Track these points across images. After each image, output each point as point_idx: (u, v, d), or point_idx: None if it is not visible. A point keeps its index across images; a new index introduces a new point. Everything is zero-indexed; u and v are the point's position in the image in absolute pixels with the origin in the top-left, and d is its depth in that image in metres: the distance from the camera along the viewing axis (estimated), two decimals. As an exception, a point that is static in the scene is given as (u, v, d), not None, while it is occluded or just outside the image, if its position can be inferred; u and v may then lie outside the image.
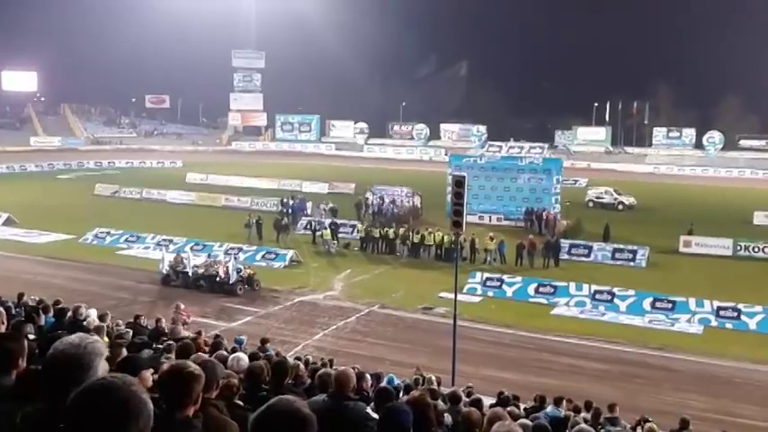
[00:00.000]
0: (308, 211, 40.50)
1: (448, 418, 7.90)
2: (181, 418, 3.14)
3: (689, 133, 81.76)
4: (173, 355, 7.67)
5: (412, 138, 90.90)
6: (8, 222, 38.11)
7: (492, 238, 31.13)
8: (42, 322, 11.00)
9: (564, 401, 12.12)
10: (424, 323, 22.93)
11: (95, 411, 1.96)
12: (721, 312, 22.97)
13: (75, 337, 2.82)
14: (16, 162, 65.64)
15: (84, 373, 2.54)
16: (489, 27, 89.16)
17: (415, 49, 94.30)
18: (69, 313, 12.36)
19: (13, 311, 12.23)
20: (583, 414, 11.88)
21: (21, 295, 15.55)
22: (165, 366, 3.63)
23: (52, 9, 78.39)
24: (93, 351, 2.72)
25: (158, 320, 15.25)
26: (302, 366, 10.38)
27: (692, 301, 23.62)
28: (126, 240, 33.87)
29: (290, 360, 11.86)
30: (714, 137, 79.50)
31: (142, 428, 2.00)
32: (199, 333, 13.66)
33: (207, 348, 10.66)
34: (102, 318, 12.89)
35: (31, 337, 7.76)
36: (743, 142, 79.91)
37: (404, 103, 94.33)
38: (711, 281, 27.46)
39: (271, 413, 2.31)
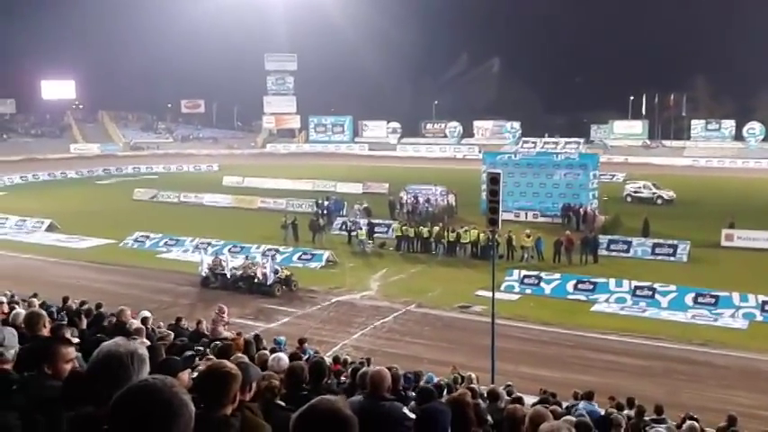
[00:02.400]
0: (344, 212, 40.63)
1: (488, 416, 7.84)
2: (218, 417, 3.17)
3: (728, 125, 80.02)
4: (213, 356, 7.75)
5: (445, 136, 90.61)
6: (51, 228, 38.96)
7: (529, 235, 30.85)
8: (84, 326, 11.19)
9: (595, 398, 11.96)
10: (461, 322, 22.82)
11: (137, 413, 1.99)
12: (767, 307, 22.42)
13: (117, 342, 2.87)
14: (57, 169, 67.16)
15: (127, 377, 2.58)
16: (521, 23, 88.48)
17: (446, 48, 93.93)
18: (111, 317, 12.57)
19: (56, 316, 12.50)
20: (626, 411, 11.71)
21: (65, 299, 15.90)
22: (203, 366, 3.67)
23: (88, 18, 79.95)
24: (135, 354, 2.77)
25: (199, 322, 15.43)
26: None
27: (735, 296, 23.10)
28: (165, 244, 34.36)
29: (328, 360, 11.91)
30: (755, 128, 77.69)
31: (183, 429, 2.02)
32: (239, 334, 13.78)
33: (244, 348, 10.75)
34: (143, 320, 13.09)
35: (75, 340, 7.90)
36: (784, 132, 77.97)
37: (436, 102, 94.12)
38: (755, 275, 26.77)
39: (312, 413, 2.31)
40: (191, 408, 2.06)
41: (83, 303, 14.20)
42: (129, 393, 2.04)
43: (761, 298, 22.71)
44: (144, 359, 2.80)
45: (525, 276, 26.58)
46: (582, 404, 11.46)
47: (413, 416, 4.92)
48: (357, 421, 2.32)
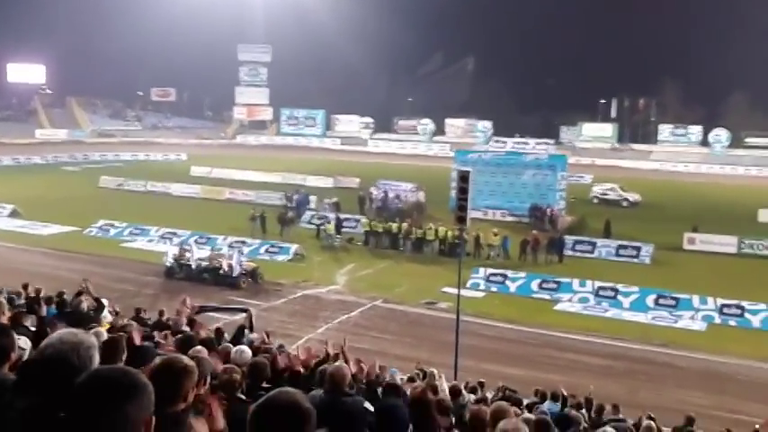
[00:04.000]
0: (312, 205, 40.48)
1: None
2: (170, 413, 3.12)
3: (695, 130, 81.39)
4: (173, 348, 7.66)
5: (417, 133, 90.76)
6: (13, 214, 38.21)
7: (496, 234, 31.09)
8: (44, 313, 11.01)
9: (561, 397, 12.09)
10: (427, 318, 22.93)
11: (97, 393, 1.99)
12: (725, 310, 22.90)
13: (67, 332, 2.82)
14: (22, 154, 65.79)
15: (77, 367, 2.54)
16: (496, 23, 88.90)
17: (420, 45, 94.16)
18: (72, 304, 12.38)
19: (16, 302, 12.27)
20: (584, 411, 11.85)
21: (25, 286, 15.58)
22: (158, 360, 3.60)
23: (59, 2, 78.47)
24: (86, 344, 2.72)
25: (161, 313, 15.25)
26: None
27: (695, 299, 23.55)
28: (130, 233, 33.92)
29: (293, 352, 11.85)
30: (720, 134, 79.18)
31: (145, 406, 2.03)
32: (201, 326, 13.64)
33: (205, 339, 10.65)
34: (101, 309, 12.91)
35: (32, 328, 7.77)
36: (749, 140, 79.55)
37: (409, 99, 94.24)
38: (715, 278, 27.35)
39: (271, 405, 2.29)
40: (150, 392, 2.07)
41: (38, 291, 13.93)
42: (90, 378, 2.04)
43: (719, 301, 23.19)
44: (93, 349, 2.75)
45: (491, 274, 26.79)
46: (546, 404, 11.59)
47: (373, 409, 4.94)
48: (315, 414, 2.31)
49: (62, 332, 2.80)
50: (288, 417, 2.24)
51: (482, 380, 14.03)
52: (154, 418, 2.09)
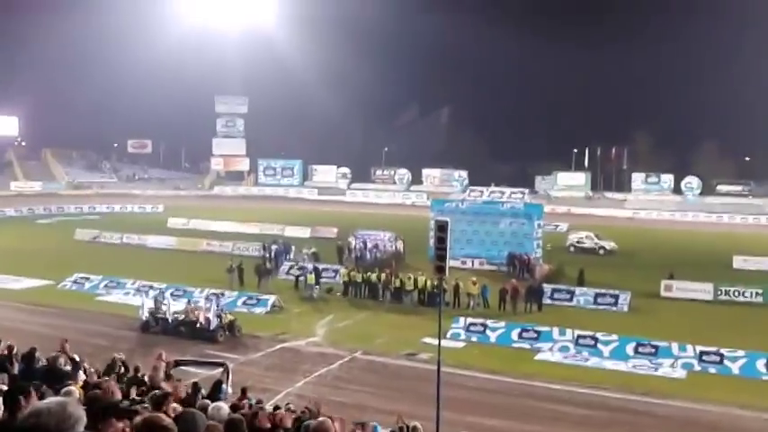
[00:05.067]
0: (291, 256, 40.29)
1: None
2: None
3: (667, 179, 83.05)
4: (149, 405, 7.49)
5: (394, 182, 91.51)
6: (-15, 268, 37.49)
7: (475, 283, 31.08)
8: (16, 371, 10.75)
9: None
10: (407, 369, 22.69)
11: None
12: (704, 357, 22.94)
13: (57, 403, 2.76)
14: (-5, 207, 65.02)
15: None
16: (470, 74, 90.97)
17: (397, 96, 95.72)
18: (43, 361, 12.11)
19: (-13, 360, 11.97)
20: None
21: (-4, 343, 15.23)
22: (139, 419, 3.55)
23: (34, 54, 78.74)
24: (73, 419, 2.67)
25: (137, 369, 14.94)
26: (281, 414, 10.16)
27: (674, 346, 23.60)
28: (105, 286, 33.40)
29: (268, 408, 11.64)
30: (692, 182, 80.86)
31: None
32: (178, 380, 13.37)
33: (186, 397, 10.44)
34: (77, 365, 12.66)
35: (4, 388, 7.58)
36: (720, 187, 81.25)
37: (386, 149, 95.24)
38: (693, 325, 27.54)
39: None
40: None
41: (11, 348, 13.62)
42: None
43: (699, 348, 23.25)
44: (81, 423, 2.70)
45: (471, 324, 26.68)
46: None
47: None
48: None
49: (51, 402, 2.74)
50: None
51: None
52: None
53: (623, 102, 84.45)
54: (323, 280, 34.14)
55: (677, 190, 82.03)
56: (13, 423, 4.18)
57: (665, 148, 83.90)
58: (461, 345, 25.26)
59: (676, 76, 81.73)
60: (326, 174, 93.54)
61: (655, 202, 79.20)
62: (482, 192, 44.00)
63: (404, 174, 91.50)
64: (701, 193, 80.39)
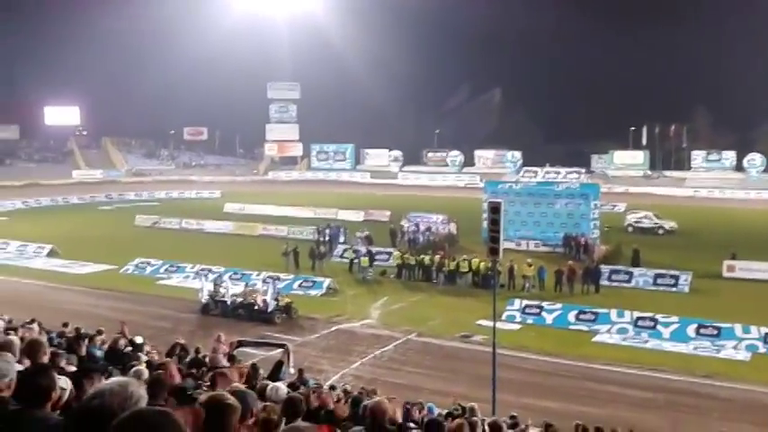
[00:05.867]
0: (344, 239, 40.59)
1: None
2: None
3: (729, 156, 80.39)
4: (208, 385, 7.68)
5: (446, 164, 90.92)
6: (52, 254, 38.90)
7: (531, 265, 30.79)
8: (83, 352, 11.14)
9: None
10: (462, 351, 22.68)
11: None
12: (769, 338, 22.30)
13: (119, 383, 2.84)
14: (59, 195, 67.26)
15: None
16: (523, 52, 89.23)
17: (448, 77, 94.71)
18: (109, 343, 12.52)
19: (56, 342, 12.44)
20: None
21: (65, 324, 15.84)
22: (203, 397, 3.65)
23: (93, 45, 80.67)
24: (135, 398, 2.75)
25: (197, 350, 15.34)
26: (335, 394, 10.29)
27: (738, 328, 22.98)
28: (166, 270, 34.30)
29: (326, 389, 11.80)
30: (755, 159, 78.03)
31: None
32: (238, 362, 13.67)
33: (246, 378, 10.65)
34: (136, 347, 13.05)
35: (72, 368, 7.85)
36: (785, 164, 78.24)
37: (437, 131, 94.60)
38: (757, 306, 26.63)
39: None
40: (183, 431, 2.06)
41: (78, 330, 14.13)
42: (126, 420, 2.04)
43: (763, 330, 22.58)
44: (143, 401, 2.78)
45: (526, 306, 26.47)
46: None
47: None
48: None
49: (114, 383, 2.82)
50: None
51: (514, 414, 13.79)
52: None
53: (682, 78, 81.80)
54: (376, 263, 34.33)
55: (739, 167, 79.29)
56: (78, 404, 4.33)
57: (727, 125, 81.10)
58: (517, 327, 25.10)
59: (737, 50, 78.80)
60: (378, 157, 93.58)
61: (716, 180, 76.75)
62: (536, 172, 43.45)
63: (456, 156, 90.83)
64: (764, 171, 77.51)
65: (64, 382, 5.66)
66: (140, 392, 2.84)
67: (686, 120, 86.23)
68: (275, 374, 12.02)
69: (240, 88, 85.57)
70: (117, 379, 3.05)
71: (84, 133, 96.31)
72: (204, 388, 7.14)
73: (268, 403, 5.92)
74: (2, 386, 3.87)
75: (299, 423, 2.66)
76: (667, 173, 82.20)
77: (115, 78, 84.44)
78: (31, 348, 5.95)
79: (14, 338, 7.87)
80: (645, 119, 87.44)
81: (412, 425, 8.32)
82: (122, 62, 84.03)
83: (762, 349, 22.03)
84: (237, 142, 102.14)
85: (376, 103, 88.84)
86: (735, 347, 22.31)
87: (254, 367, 13.12)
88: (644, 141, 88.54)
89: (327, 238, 40.18)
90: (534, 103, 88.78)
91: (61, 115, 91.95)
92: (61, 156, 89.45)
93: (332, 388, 13.49)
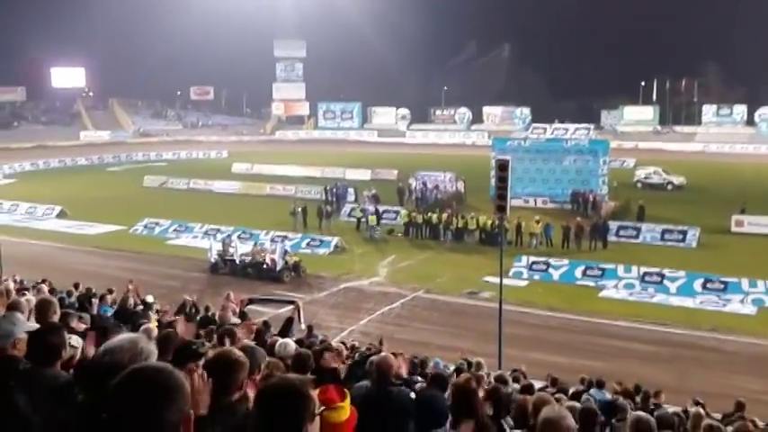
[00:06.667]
0: (352, 198, 40.62)
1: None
2: (227, 403, 3.22)
3: (740, 110, 79.38)
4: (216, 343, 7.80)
5: (454, 122, 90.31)
6: (61, 215, 39.18)
7: (538, 221, 30.81)
8: (95, 311, 11.31)
9: (606, 384, 11.96)
10: (469, 308, 22.86)
11: (133, 392, 2.01)
12: (776, 293, 22.36)
13: (129, 340, 2.90)
14: (67, 156, 67.39)
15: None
16: (530, 8, 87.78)
17: (455, 34, 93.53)
18: (118, 303, 12.69)
19: (67, 302, 12.62)
20: (635, 398, 11.71)
21: (76, 285, 16.04)
22: (211, 354, 3.72)
23: (99, 5, 79.99)
24: (144, 354, 2.80)
25: (207, 308, 15.52)
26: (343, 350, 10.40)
27: (744, 282, 23.06)
28: (174, 230, 34.52)
29: (335, 344, 11.95)
30: (766, 113, 76.99)
31: (177, 412, 2.04)
32: (248, 319, 13.82)
33: (256, 335, 10.80)
34: (150, 306, 13.21)
35: (83, 326, 7.98)
36: (796, 118, 77.23)
37: (445, 88, 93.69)
38: (765, 260, 26.64)
39: (270, 388, 2.43)
40: (186, 390, 2.09)
41: (89, 290, 14.32)
42: (126, 377, 2.06)
43: (770, 284, 22.64)
44: (152, 357, 2.83)
45: (533, 262, 26.57)
46: (592, 391, 11.48)
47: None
48: (315, 402, 2.43)
49: (123, 339, 2.88)
50: (286, 400, 2.37)
51: (516, 368, 13.95)
52: (192, 415, 2.12)
53: (693, 32, 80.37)
54: (384, 221, 34.42)
55: (750, 122, 78.35)
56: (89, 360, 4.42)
57: (737, 79, 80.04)
58: (524, 283, 25.23)
59: (749, 3, 77.20)
60: (386, 115, 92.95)
61: (726, 135, 75.84)
62: (545, 129, 43.10)
63: (464, 113, 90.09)
64: (775, 125, 76.60)
65: (75, 341, 5.77)
66: (150, 348, 2.89)
67: (697, 74, 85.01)
68: (286, 331, 12.18)
69: (246, 47, 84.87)
70: (127, 335, 3.10)
71: (91, 95, 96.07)
72: (211, 345, 7.26)
73: (272, 359, 6.03)
74: (7, 345, 3.94)
75: (292, 375, 2.72)
76: (677, 128, 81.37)
77: (121, 39, 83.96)
78: (40, 308, 6.04)
79: (24, 299, 7.99)
80: (655, 73, 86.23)
81: (419, 378, 8.44)
82: (129, 22, 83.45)
83: (768, 303, 22.13)
84: (244, 102, 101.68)
85: (383, 61, 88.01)
86: (741, 302, 22.41)
87: (265, 324, 13.30)
88: (654, 96, 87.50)
89: (335, 198, 40.23)
90: (543, 59, 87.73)
91: (68, 77, 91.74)
92: (68, 117, 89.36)
93: (341, 344, 13.65)
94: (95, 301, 12.45)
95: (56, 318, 6.51)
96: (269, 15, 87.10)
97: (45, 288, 13.53)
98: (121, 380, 2.06)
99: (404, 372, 8.68)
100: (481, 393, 6.74)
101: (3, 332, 4.03)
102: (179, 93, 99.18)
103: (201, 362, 3.91)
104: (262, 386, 2.66)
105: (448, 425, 4.47)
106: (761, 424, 10.04)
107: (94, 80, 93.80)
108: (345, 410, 4.28)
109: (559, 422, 3.75)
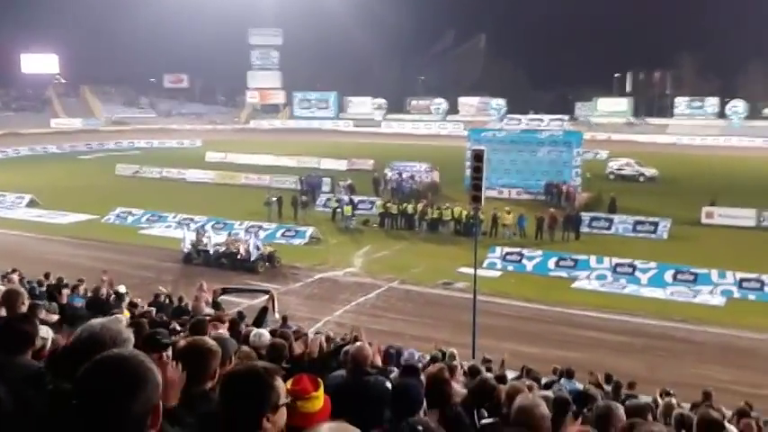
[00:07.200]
0: (326, 188, 40.53)
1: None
2: (198, 392, 3.20)
3: (712, 102, 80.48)
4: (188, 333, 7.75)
5: (430, 112, 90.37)
6: (31, 203, 38.57)
7: (509, 212, 31.01)
8: (64, 301, 11.17)
9: (576, 374, 12.12)
10: (444, 298, 22.96)
11: (101, 383, 1.99)
12: (744, 284, 22.75)
13: (100, 323, 2.87)
14: (38, 144, 66.36)
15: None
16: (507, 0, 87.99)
17: (432, 24, 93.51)
18: (90, 293, 12.55)
19: (37, 291, 12.45)
20: (605, 387, 11.88)
21: (47, 275, 15.84)
22: (182, 342, 3.69)
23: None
24: (124, 335, 2.78)
25: (180, 299, 15.43)
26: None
27: (714, 273, 23.41)
28: (147, 220, 34.19)
29: (311, 336, 11.93)
30: (738, 105, 78.16)
31: (147, 400, 2.02)
32: (222, 310, 13.76)
33: (230, 326, 10.75)
34: (119, 295, 13.07)
35: (55, 317, 7.89)
36: (767, 111, 78.43)
37: (422, 78, 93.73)
38: (734, 252, 27.13)
39: (233, 374, 2.44)
40: (156, 378, 2.07)
41: (60, 280, 14.13)
42: (94, 365, 2.04)
43: (738, 275, 23.04)
44: (129, 343, 2.81)
45: (507, 253, 26.73)
46: (563, 381, 11.61)
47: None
48: (279, 392, 2.45)
49: (105, 320, 2.85)
50: (249, 384, 2.40)
51: (488, 357, 14.07)
52: (161, 403, 2.10)
53: (666, 23, 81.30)
54: (359, 212, 34.40)
55: (722, 114, 79.47)
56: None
57: (710, 71, 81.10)
58: (498, 274, 25.38)
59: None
60: (361, 105, 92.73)
61: (698, 127, 76.83)
62: (520, 120, 43.37)
63: (440, 103, 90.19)
64: (746, 117, 77.72)
65: (45, 332, 5.70)
66: (129, 333, 2.88)
67: (670, 66, 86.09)
68: (260, 321, 12.14)
69: (221, 34, 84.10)
70: (106, 318, 3.08)
71: (63, 81, 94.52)
72: (180, 335, 7.21)
73: (244, 349, 6.01)
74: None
75: (259, 362, 2.74)
76: (650, 120, 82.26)
77: (94, 25, 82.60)
78: (9, 299, 5.95)
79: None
80: (629, 65, 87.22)
81: (394, 369, 8.47)
82: (101, 8, 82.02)
83: (736, 294, 22.51)
84: (219, 90, 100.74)
85: (359, 51, 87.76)
86: (710, 293, 22.77)
87: (239, 314, 13.25)
88: (628, 88, 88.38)
89: (309, 188, 40.10)
90: (519, 51, 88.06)
91: (39, 63, 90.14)
92: (39, 104, 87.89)
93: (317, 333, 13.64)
94: (66, 291, 12.30)
95: (24, 309, 6.43)
96: (246, 2, 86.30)
97: (15, 278, 13.35)
98: (88, 368, 2.04)
99: (378, 361, 8.70)
100: (456, 385, 6.80)
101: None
102: (152, 80, 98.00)
103: (168, 352, 3.89)
104: (226, 372, 2.65)
105: (422, 412, 4.50)
106: (727, 413, 10.22)
107: (66, 66, 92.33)
108: (319, 400, 4.28)
109: (533, 410, 3.80)
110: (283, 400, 2.49)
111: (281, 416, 2.47)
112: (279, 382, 2.49)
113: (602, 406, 5.12)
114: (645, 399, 11.16)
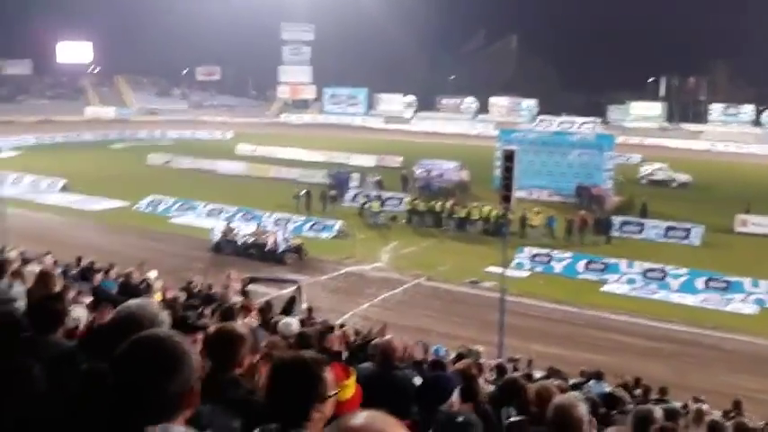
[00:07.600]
0: (355, 183, 40.55)
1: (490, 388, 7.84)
2: (228, 378, 3.19)
3: (747, 110, 78.95)
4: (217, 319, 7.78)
5: (460, 111, 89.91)
6: (65, 188, 39.15)
7: (538, 213, 30.76)
8: (97, 283, 11.30)
9: (605, 377, 11.97)
10: (470, 297, 22.85)
11: (138, 363, 1.97)
12: (778, 293, 22.34)
13: (148, 302, 2.87)
14: (72, 131, 67.27)
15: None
16: (540, 0, 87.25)
17: (464, 22, 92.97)
18: (122, 277, 12.68)
19: (70, 274, 12.62)
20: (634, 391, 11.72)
21: (79, 258, 16.05)
22: (212, 329, 3.69)
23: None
24: (160, 318, 2.77)
25: (209, 287, 15.54)
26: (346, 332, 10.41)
27: (746, 281, 23.03)
28: (178, 209, 34.51)
29: (340, 328, 11.94)
30: (773, 114, 76.67)
31: (184, 381, 2.00)
32: (249, 299, 13.82)
33: (259, 314, 10.79)
34: (153, 282, 13.20)
35: (88, 299, 7.97)
36: (803, 120, 76.88)
37: (452, 77, 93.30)
38: (768, 261, 26.65)
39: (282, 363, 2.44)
40: (194, 360, 2.04)
41: (92, 263, 14.32)
42: (132, 345, 2.02)
43: (773, 284, 22.61)
44: (164, 322, 2.80)
45: (536, 254, 26.55)
46: (591, 383, 11.48)
47: (423, 384, 4.93)
48: (326, 383, 2.43)
49: (140, 301, 2.85)
50: (297, 373, 2.40)
51: (516, 356, 13.99)
52: (199, 385, 2.07)
53: (702, 29, 79.92)
54: (387, 208, 34.38)
55: (757, 122, 78.03)
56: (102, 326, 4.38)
57: (746, 79, 79.59)
58: (525, 274, 25.21)
59: (760, 2, 76.64)
60: (392, 102, 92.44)
61: (733, 134, 75.50)
62: (552, 121, 42.94)
63: (470, 102, 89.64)
64: (783, 126, 76.23)
65: (80, 312, 5.76)
66: (166, 316, 2.88)
67: (705, 72, 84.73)
68: (288, 310, 12.19)
69: (254, 28, 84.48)
70: (142, 299, 3.08)
71: (97, 70, 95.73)
72: (208, 320, 7.24)
73: (272, 337, 6.02)
74: (18, 312, 3.93)
75: (305, 352, 2.72)
76: (684, 125, 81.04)
77: (128, 15, 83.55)
78: (42, 280, 6.02)
79: (26, 270, 7.96)
80: (664, 70, 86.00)
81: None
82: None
83: (770, 303, 22.10)
84: (250, 83, 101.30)
85: (391, 47, 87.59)
86: (743, 301, 22.39)
87: (268, 304, 13.30)
88: (662, 93, 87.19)
89: (338, 182, 40.16)
90: (551, 51, 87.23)
91: (74, 52, 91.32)
92: (74, 93, 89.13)
93: (341, 326, 13.65)
94: (98, 275, 12.45)
95: (56, 290, 6.50)
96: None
97: (49, 260, 13.54)
98: (126, 348, 2.02)
99: (418, 354, 8.70)
100: (482, 382, 6.74)
101: (5, 297, 4.02)
102: (185, 72, 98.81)
103: (199, 335, 3.89)
104: (274, 361, 2.63)
105: (456, 405, 4.44)
106: (760, 423, 10.04)
107: (101, 56, 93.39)
108: (351, 388, 4.25)
109: (571, 410, 3.70)
110: (332, 391, 2.47)
111: (329, 407, 2.46)
112: (327, 373, 2.47)
113: (642, 408, 5.03)
114: (675, 404, 11.00)
